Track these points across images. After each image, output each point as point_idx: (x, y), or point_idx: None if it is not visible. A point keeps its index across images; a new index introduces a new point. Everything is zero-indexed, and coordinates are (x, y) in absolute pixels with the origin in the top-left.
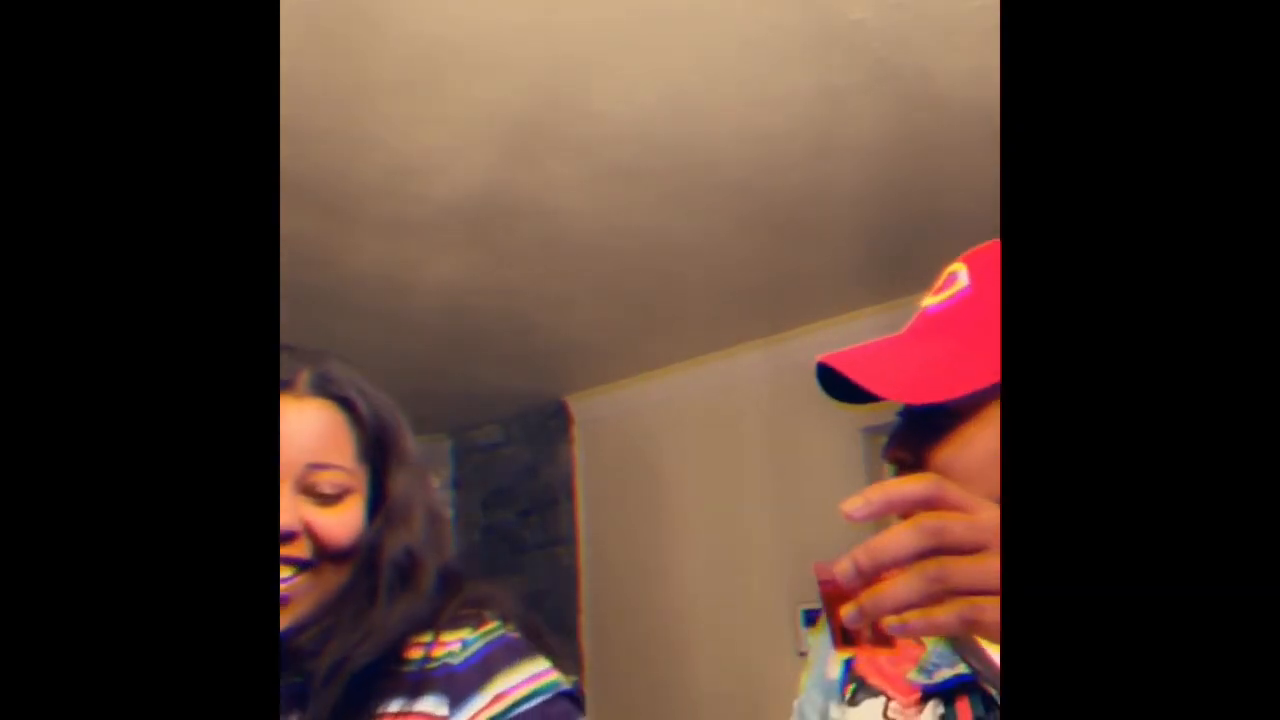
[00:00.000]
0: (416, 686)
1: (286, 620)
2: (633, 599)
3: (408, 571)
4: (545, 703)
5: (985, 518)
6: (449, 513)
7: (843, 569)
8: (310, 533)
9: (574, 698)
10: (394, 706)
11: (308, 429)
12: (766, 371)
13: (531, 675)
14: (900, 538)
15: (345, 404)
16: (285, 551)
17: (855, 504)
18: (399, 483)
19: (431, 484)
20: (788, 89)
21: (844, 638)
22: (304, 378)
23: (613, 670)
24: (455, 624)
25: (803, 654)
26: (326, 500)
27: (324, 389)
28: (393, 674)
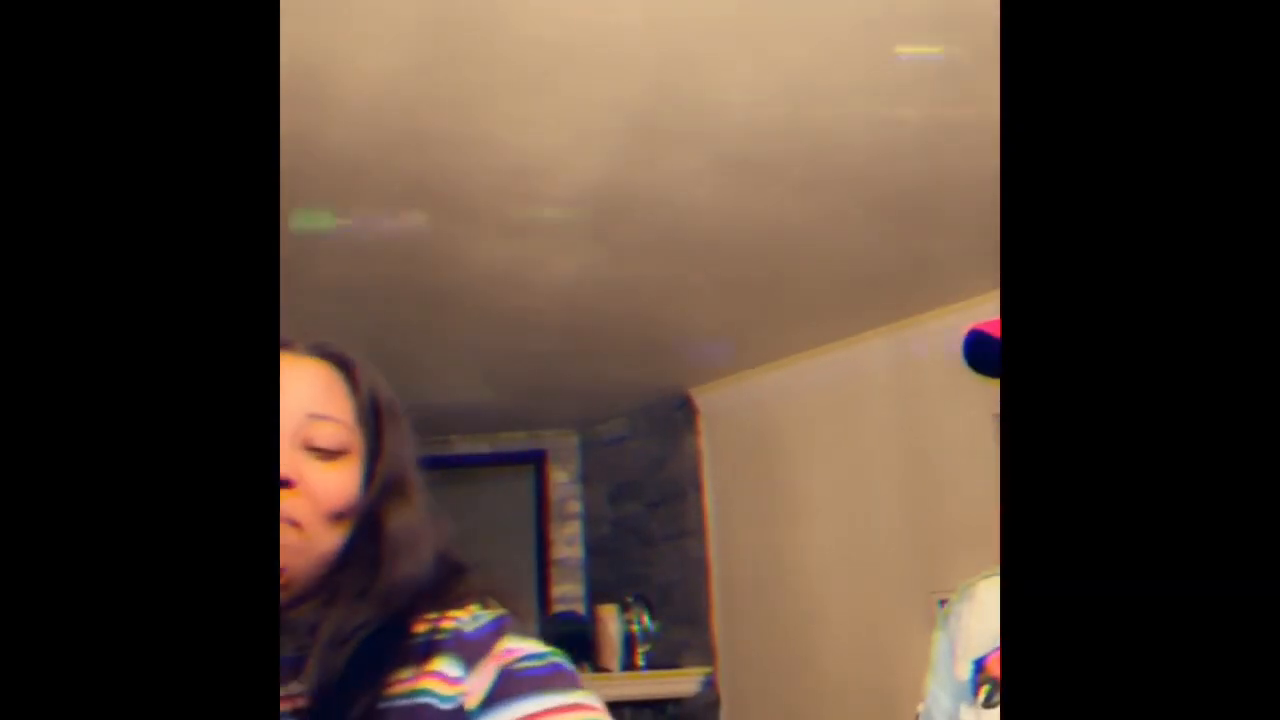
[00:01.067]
0: (426, 652)
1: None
2: (762, 589)
3: (410, 545)
4: (552, 664)
5: None
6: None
7: None
8: (307, 488)
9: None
10: (405, 673)
11: (306, 381)
12: (892, 358)
13: (538, 649)
14: None
15: (344, 366)
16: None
17: None
18: (398, 455)
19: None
20: (908, 71)
21: None
22: (302, 342)
23: (744, 660)
24: (463, 602)
25: None
26: (325, 456)
27: (323, 350)
28: (400, 644)
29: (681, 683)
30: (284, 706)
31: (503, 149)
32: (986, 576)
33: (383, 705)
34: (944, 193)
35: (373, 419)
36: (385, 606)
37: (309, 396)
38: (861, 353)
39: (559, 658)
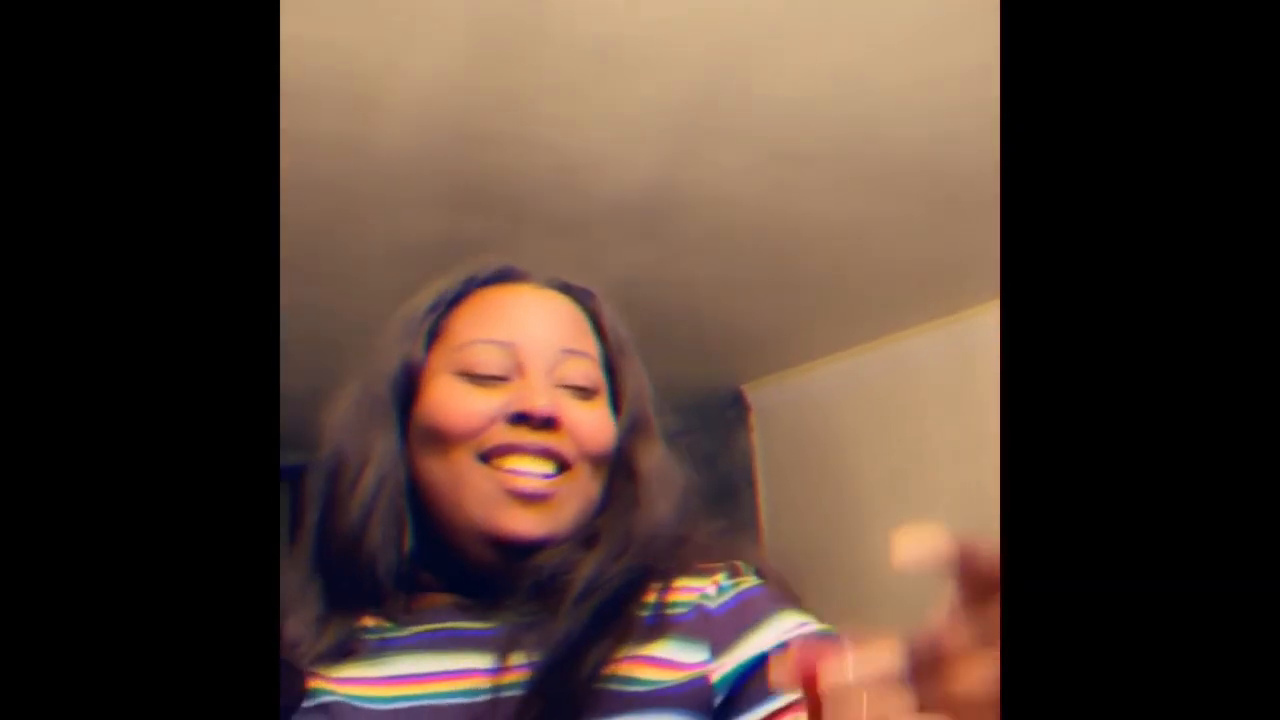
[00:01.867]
0: (655, 626)
1: (545, 525)
2: (817, 586)
3: (664, 486)
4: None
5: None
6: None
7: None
8: (571, 428)
9: None
10: (626, 649)
11: (555, 315)
12: (947, 352)
13: (797, 624)
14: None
15: (585, 301)
16: (547, 442)
17: (908, 546)
18: (639, 393)
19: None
20: (957, 62)
21: None
22: (543, 275)
23: None
24: (702, 573)
25: None
26: (582, 394)
27: (565, 285)
28: (637, 606)
29: None
30: (498, 680)
31: (552, 148)
32: None
33: (603, 681)
34: (996, 183)
35: (614, 356)
36: (644, 553)
37: (560, 330)
38: (916, 347)
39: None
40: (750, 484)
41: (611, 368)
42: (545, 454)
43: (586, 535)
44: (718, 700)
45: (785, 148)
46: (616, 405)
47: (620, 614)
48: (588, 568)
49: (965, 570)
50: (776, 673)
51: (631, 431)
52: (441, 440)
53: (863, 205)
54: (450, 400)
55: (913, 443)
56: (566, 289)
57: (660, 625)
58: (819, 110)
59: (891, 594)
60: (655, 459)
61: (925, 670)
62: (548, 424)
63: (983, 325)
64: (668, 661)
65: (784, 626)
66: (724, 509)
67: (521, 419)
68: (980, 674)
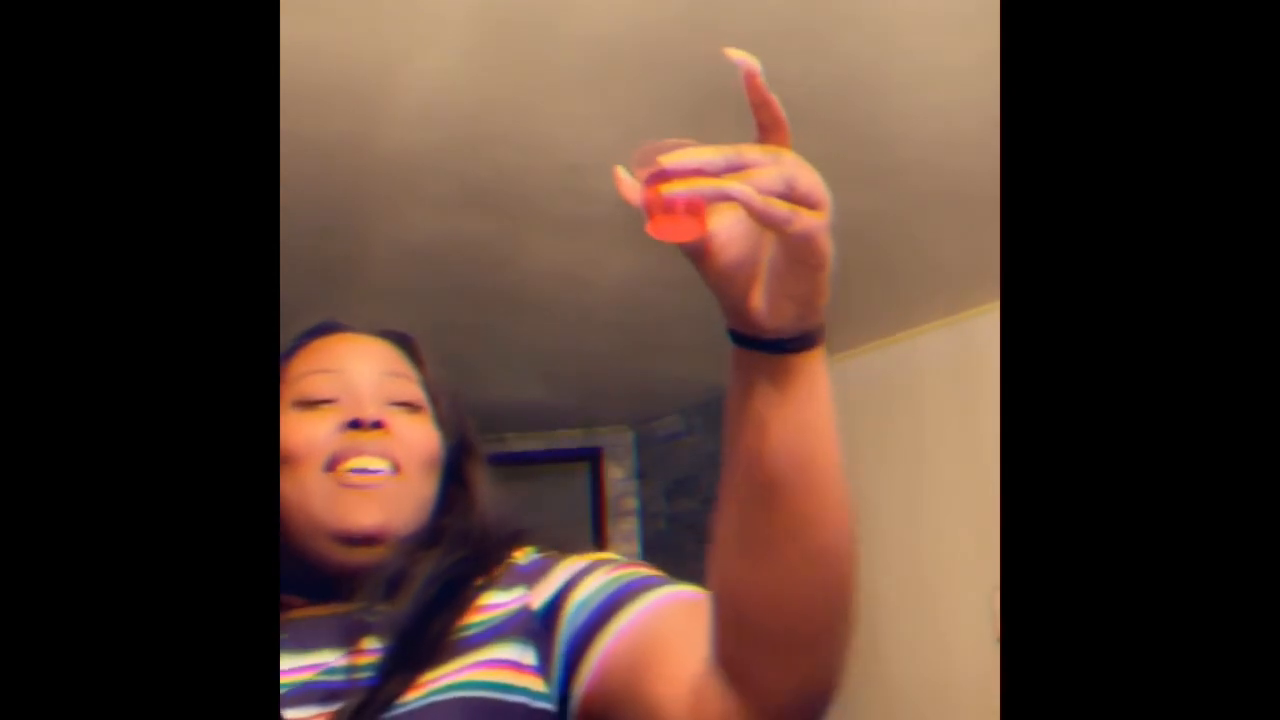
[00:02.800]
0: (483, 589)
1: (382, 514)
2: None
3: (494, 494)
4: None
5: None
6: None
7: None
8: (398, 433)
9: None
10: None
11: (378, 350)
12: (953, 351)
13: (600, 558)
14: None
15: (404, 343)
16: (375, 443)
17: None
18: (463, 421)
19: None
20: (962, 60)
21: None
22: (363, 326)
23: None
24: (520, 547)
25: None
26: (408, 408)
27: (384, 333)
28: (471, 583)
29: None
30: (353, 661)
31: (557, 147)
32: None
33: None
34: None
35: (436, 394)
36: (479, 546)
37: (383, 360)
38: (920, 346)
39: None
40: None
41: (434, 401)
42: (380, 455)
43: (428, 536)
44: (545, 624)
45: (792, 147)
46: (442, 430)
47: (457, 595)
48: (429, 564)
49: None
50: (624, 187)
51: (459, 450)
52: (289, 462)
53: (865, 205)
54: (289, 428)
55: (914, 442)
56: (385, 335)
57: (489, 586)
58: (820, 110)
59: (894, 590)
60: (484, 472)
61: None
62: (377, 426)
63: (984, 326)
64: (490, 605)
65: (587, 559)
66: None
67: (354, 425)
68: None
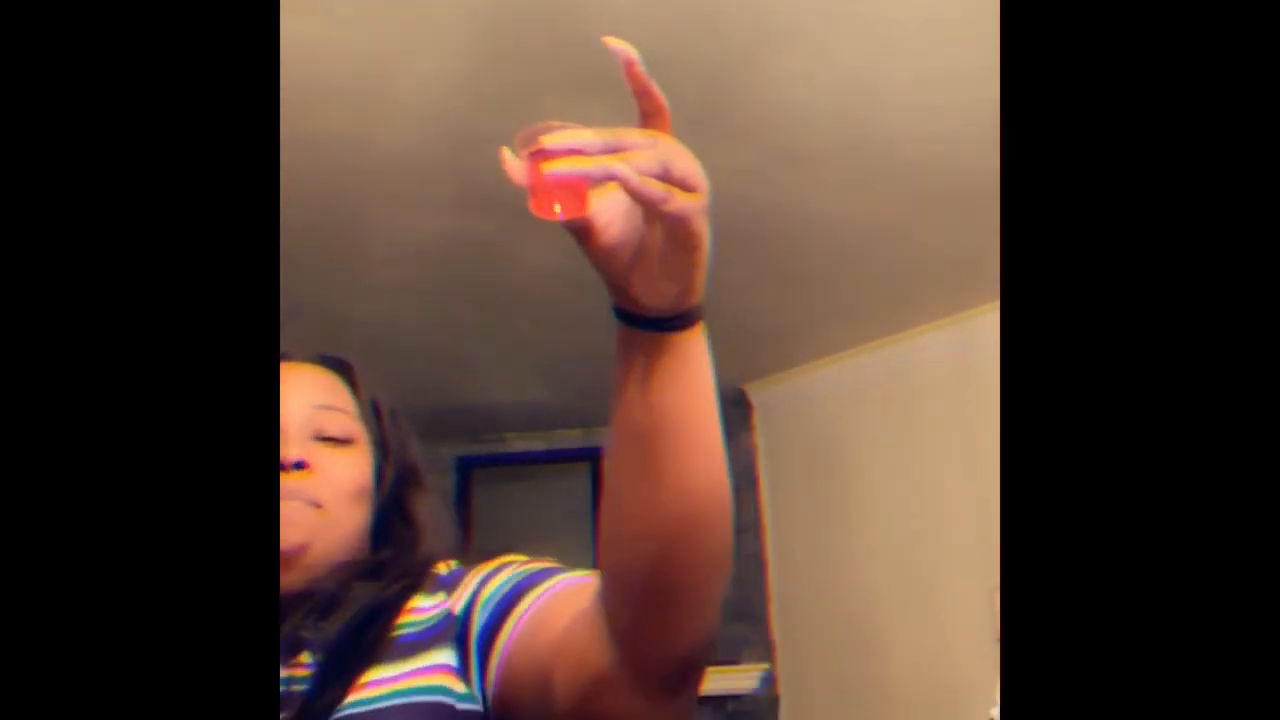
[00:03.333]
0: (406, 599)
1: (294, 540)
2: (820, 585)
3: (435, 527)
4: (526, 563)
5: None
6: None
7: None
8: (322, 471)
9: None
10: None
11: (311, 380)
12: (949, 352)
13: (521, 560)
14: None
15: (343, 370)
16: (299, 484)
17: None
18: (405, 448)
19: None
20: (960, 61)
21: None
22: (301, 354)
23: (804, 656)
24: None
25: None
26: (335, 443)
27: (322, 358)
28: (394, 616)
29: (740, 679)
30: (291, 673)
31: None
32: None
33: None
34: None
35: (375, 416)
36: (415, 583)
37: (314, 392)
38: (919, 346)
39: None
40: (752, 483)
41: (374, 425)
42: (299, 498)
43: (366, 570)
44: (463, 627)
45: (787, 147)
46: (384, 457)
47: (390, 612)
48: (363, 593)
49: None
50: (509, 165)
51: (400, 480)
52: None
53: (865, 205)
54: None
55: (915, 442)
56: (325, 361)
57: (412, 595)
58: (821, 110)
59: (894, 588)
60: (426, 503)
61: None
62: (299, 467)
63: (986, 325)
64: (417, 609)
65: (496, 562)
66: None
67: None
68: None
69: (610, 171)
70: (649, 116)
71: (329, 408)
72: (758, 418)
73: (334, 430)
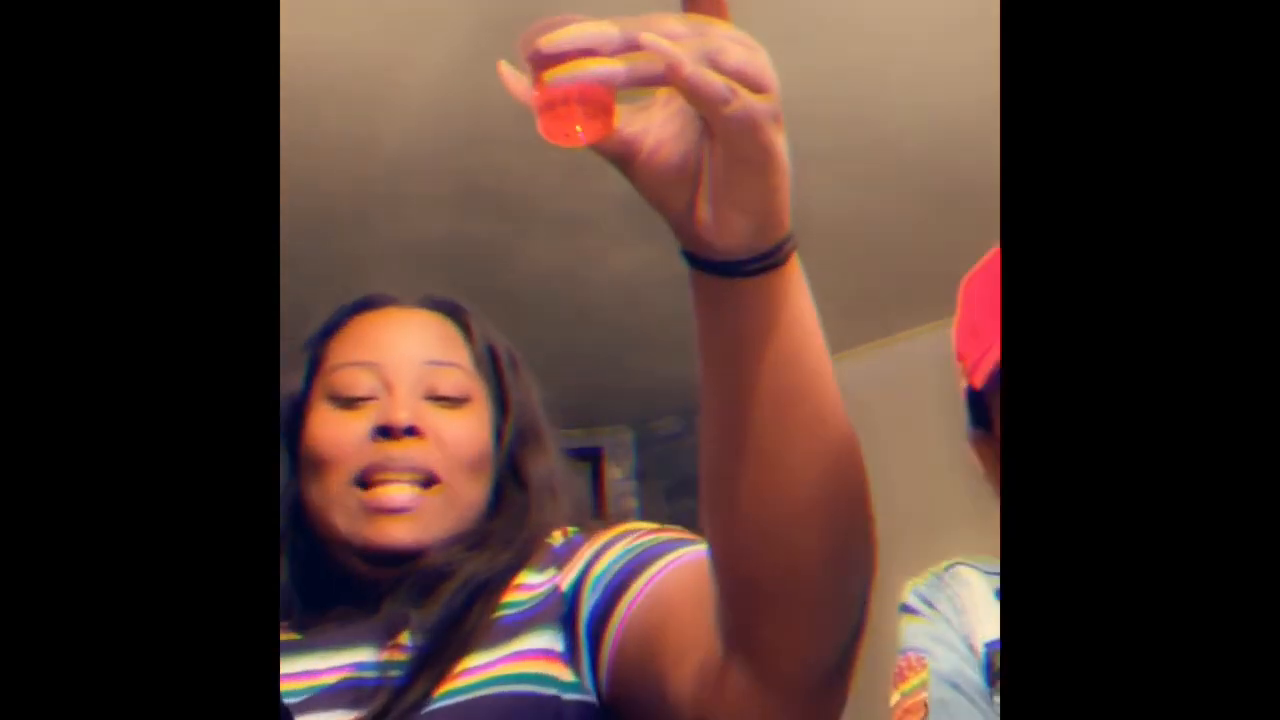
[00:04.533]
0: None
1: (411, 534)
2: None
3: (554, 492)
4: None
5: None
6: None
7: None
8: (436, 437)
9: None
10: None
11: (420, 330)
12: (946, 354)
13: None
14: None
15: (456, 315)
16: (407, 454)
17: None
18: (525, 402)
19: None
20: (962, 59)
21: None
22: (410, 297)
23: None
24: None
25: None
26: (450, 403)
27: (434, 303)
28: (499, 591)
29: None
30: (389, 656)
31: (558, 148)
32: (960, 563)
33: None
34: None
35: (492, 366)
36: (525, 554)
37: (425, 344)
38: (918, 347)
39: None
40: None
41: (492, 376)
42: (411, 470)
43: (472, 540)
44: (571, 607)
45: (789, 145)
46: (504, 415)
47: (493, 591)
48: (470, 568)
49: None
50: (509, 81)
51: (519, 440)
52: (317, 467)
53: (867, 203)
54: (321, 428)
55: (917, 440)
56: (436, 305)
57: (517, 570)
58: (822, 108)
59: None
60: (545, 465)
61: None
62: (410, 433)
63: None
64: (525, 585)
65: (613, 532)
66: None
67: (383, 432)
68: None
69: (635, 74)
70: (696, 1)
71: (442, 363)
72: None
73: (448, 389)
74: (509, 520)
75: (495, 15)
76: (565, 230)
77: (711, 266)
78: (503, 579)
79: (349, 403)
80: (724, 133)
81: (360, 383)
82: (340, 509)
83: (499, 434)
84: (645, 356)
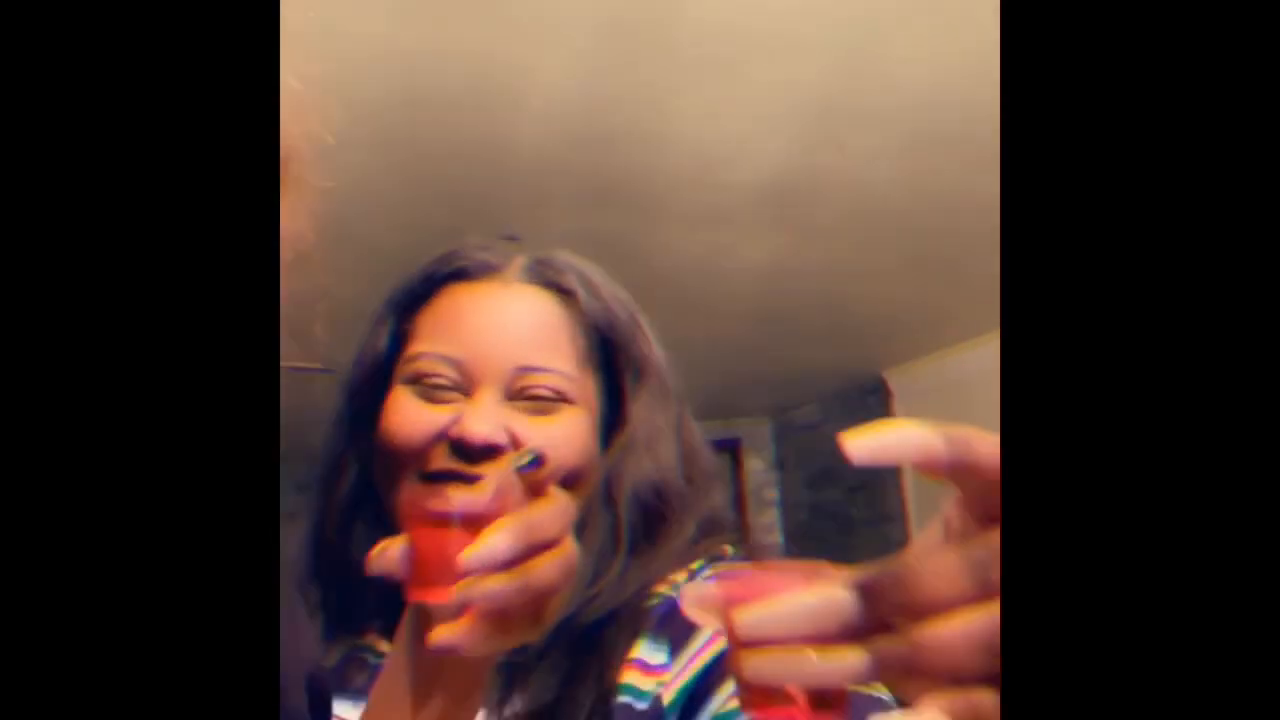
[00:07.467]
0: (635, 630)
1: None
2: None
3: (656, 513)
4: None
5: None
6: (708, 449)
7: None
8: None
9: None
10: (615, 657)
11: (517, 323)
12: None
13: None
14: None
15: (566, 295)
16: (484, 469)
17: (859, 445)
18: (639, 400)
19: (684, 408)
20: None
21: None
22: (518, 262)
23: None
24: (686, 559)
25: None
26: (541, 408)
27: (540, 275)
28: (619, 622)
29: None
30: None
31: (685, 140)
32: None
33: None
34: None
35: (608, 361)
36: (620, 594)
37: (520, 342)
38: (969, 360)
39: None
40: (895, 471)
41: (604, 372)
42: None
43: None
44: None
45: (921, 130)
46: (613, 417)
47: (604, 644)
48: (554, 657)
49: (955, 470)
50: (689, 605)
51: (626, 451)
52: (387, 457)
53: (997, 186)
54: (396, 415)
55: None
56: (543, 279)
57: (635, 619)
58: (954, 92)
59: None
60: (649, 478)
61: (888, 616)
62: (488, 453)
63: None
64: (636, 661)
65: (719, 643)
66: (870, 496)
67: (457, 447)
68: (966, 629)
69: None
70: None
71: (536, 369)
72: (897, 404)
73: (542, 390)
74: (592, 551)
75: (612, 15)
76: (698, 223)
77: None
78: (600, 673)
79: (430, 392)
80: None
81: (443, 374)
82: (402, 503)
83: (607, 439)
84: (781, 346)
